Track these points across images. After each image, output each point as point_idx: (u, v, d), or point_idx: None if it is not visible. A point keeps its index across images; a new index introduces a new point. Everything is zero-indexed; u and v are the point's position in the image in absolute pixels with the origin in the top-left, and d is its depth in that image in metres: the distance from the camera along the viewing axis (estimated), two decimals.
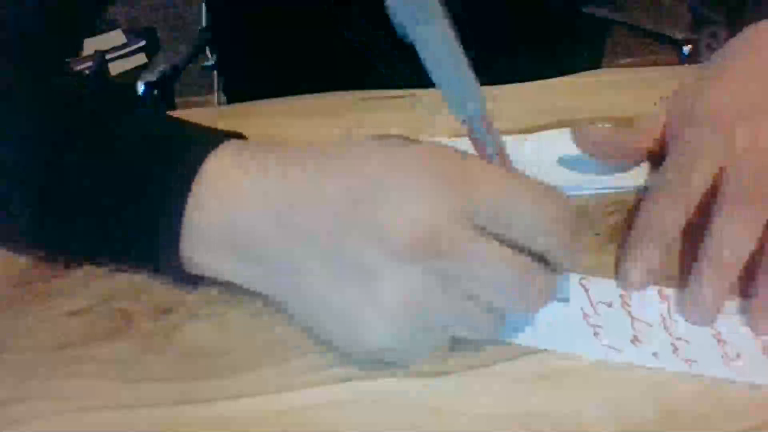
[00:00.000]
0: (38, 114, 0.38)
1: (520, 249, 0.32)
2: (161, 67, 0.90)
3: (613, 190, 0.47)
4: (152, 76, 0.88)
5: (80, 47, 0.55)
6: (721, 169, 0.41)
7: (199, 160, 0.34)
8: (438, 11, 0.30)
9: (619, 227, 0.44)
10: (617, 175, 0.47)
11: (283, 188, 0.33)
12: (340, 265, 0.31)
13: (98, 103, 0.38)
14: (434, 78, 0.32)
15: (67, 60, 0.53)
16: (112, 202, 0.35)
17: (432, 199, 0.30)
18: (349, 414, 0.33)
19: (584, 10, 0.81)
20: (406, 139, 0.34)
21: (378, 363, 0.33)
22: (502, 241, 0.31)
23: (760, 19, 0.48)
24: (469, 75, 0.32)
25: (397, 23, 0.30)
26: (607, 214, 0.45)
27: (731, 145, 0.42)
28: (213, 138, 0.36)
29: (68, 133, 0.36)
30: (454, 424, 0.32)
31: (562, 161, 0.49)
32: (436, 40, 0.31)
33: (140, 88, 0.88)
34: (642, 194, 0.46)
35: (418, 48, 0.31)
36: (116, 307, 0.38)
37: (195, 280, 0.37)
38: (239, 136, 0.38)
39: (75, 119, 0.37)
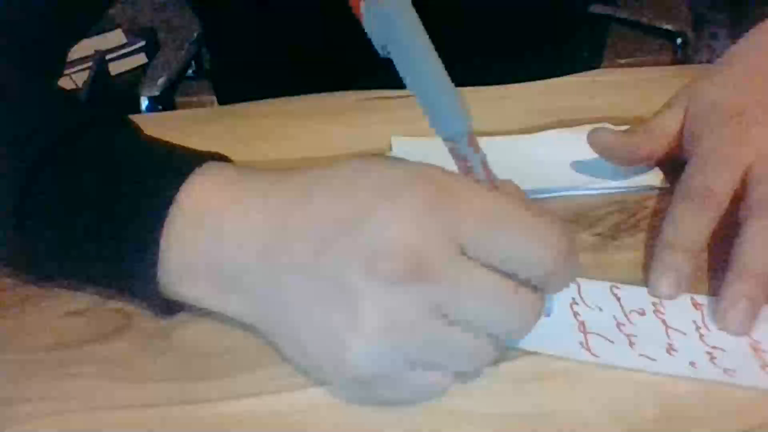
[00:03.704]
0: (22, 124, 0.37)
1: (507, 273, 0.31)
2: (161, 78, 0.90)
3: (613, 191, 0.47)
4: (155, 90, 0.88)
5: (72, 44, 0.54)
6: (745, 173, 0.40)
7: (175, 186, 0.33)
8: (414, 25, 0.29)
9: (619, 227, 0.44)
10: (619, 175, 0.47)
11: (265, 216, 0.32)
12: (323, 286, 0.30)
13: (79, 120, 0.37)
14: (415, 95, 0.31)
15: (62, 63, 0.52)
16: (87, 226, 0.34)
17: (418, 224, 0.30)
18: (349, 414, 0.33)
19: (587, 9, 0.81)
20: (395, 160, 0.33)
21: (371, 399, 0.32)
22: (489, 266, 0.30)
23: (765, 17, 0.48)
24: (451, 91, 0.31)
25: (374, 39, 0.29)
26: (607, 214, 0.45)
27: (753, 148, 0.41)
28: (189, 163, 0.34)
29: (49, 146, 0.35)
30: (455, 424, 0.32)
31: (563, 161, 0.49)
32: (413, 57, 0.30)
33: (144, 103, 0.88)
34: (641, 194, 0.46)
35: (396, 64, 0.30)
36: (116, 307, 0.38)
37: (175, 309, 0.36)
38: (222, 157, 0.37)
39: (57, 133, 0.36)
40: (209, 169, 0.35)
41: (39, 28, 0.47)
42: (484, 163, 0.32)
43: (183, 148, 0.36)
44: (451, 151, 0.32)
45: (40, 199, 0.35)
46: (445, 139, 0.32)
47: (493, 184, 0.32)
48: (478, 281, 0.30)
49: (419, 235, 0.30)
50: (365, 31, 0.29)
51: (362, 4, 0.28)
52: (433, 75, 0.30)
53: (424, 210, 0.30)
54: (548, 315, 0.36)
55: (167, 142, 0.37)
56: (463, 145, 0.32)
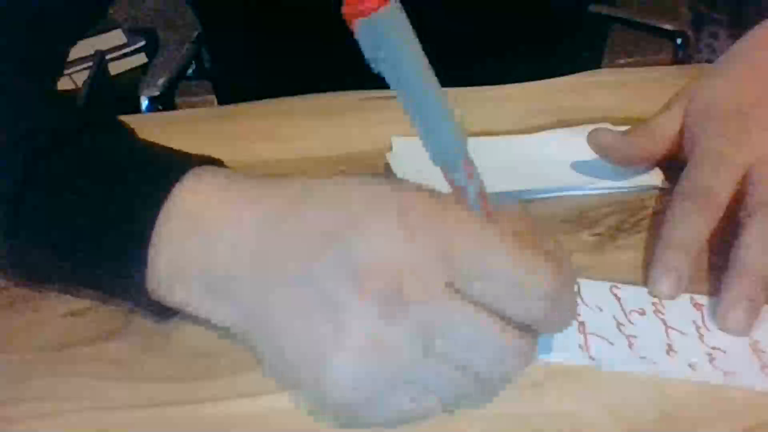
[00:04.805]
0: (16, 125, 0.37)
1: (496, 311, 0.30)
2: (162, 78, 0.90)
3: (613, 191, 0.47)
4: (155, 90, 0.88)
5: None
6: (745, 173, 0.40)
7: (166, 191, 0.33)
8: (409, 46, 0.28)
9: (619, 227, 0.44)
10: (619, 175, 0.47)
11: (257, 224, 0.32)
12: (311, 298, 0.30)
13: (74, 123, 0.37)
14: (411, 120, 0.30)
15: (61, 63, 0.52)
16: (81, 230, 0.34)
17: (408, 249, 0.29)
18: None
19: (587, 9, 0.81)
20: (391, 180, 0.32)
21: (351, 420, 0.32)
22: (477, 299, 0.30)
23: (765, 17, 0.48)
24: (446, 116, 0.30)
25: (370, 60, 0.28)
26: (607, 214, 0.45)
27: (753, 149, 0.41)
28: (182, 167, 0.34)
29: (43, 148, 0.35)
30: (455, 424, 0.32)
31: (563, 161, 0.49)
32: (410, 83, 0.29)
33: (144, 103, 0.88)
34: (641, 194, 0.46)
35: (392, 87, 0.29)
36: (116, 307, 0.38)
37: (169, 313, 0.36)
38: (214, 160, 0.36)
39: (51, 136, 0.36)
40: (202, 173, 0.34)
41: (39, 28, 0.47)
42: (481, 191, 0.31)
43: (176, 151, 0.36)
44: (446, 176, 0.31)
45: (34, 203, 0.35)
46: (441, 166, 0.31)
47: (489, 211, 0.31)
48: (461, 312, 0.29)
49: (407, 261, 0.29)
50: (360, 48, 0.28)
51: (357, 23, 0.27)
52: (429, 99, 0.29)
53: (414, 235, 0.29)
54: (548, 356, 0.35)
55: (161, 145, 0.37)
56: (459, 172, 0.31)
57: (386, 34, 0.28)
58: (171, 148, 0.36)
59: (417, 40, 0.28)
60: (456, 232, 0.30)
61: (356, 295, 0.29)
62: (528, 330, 0.31)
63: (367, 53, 0.28)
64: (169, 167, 0.35)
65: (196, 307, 0.34)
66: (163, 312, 0.36)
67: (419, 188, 0.31)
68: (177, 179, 0.34)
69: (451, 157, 0.30)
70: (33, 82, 0.43)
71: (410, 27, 0.28)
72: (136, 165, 0.35)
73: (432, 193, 0.31)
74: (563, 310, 0.31)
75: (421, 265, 0.29)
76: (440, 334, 0.30)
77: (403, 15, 0.28)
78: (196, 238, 0.33)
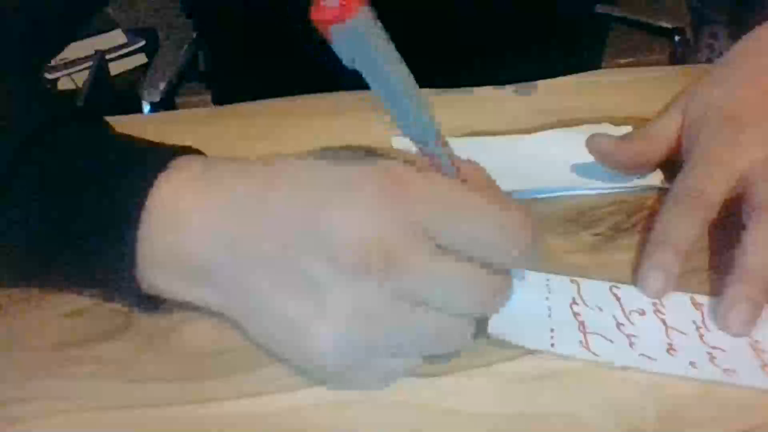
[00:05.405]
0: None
1: (468, 255, 0.32)
2: (162, 81, 0.90)
3: (613, 191, 0.47)
4: (156, 95, 0.89)
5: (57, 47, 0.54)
6: (744, 175, 0.40)
7: (147, 186, 0.34)
8: (382, 40, 0.30)
9: (619, 227, 0.44)
10: (619, 175, 0.47)
11: (231, 210, 0.33)
12: (290, 281, 0.31)
13: (59, 117, 0.37)
14: (389, 110, 0.32)
15: (44, 63, 0.52)
16: (65, 226, 0.34)
17: (379, 215, 0.31)
18: (349, 414, 0.33)
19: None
20: (362, 152, 0.34)
21: (341, 384, 0.33)
22: (449, 249, 0.31)
23: (766, 18, 0.48)
24: (418, 98, 0.31)
25: (342, 55, 0.29)
26: (607, 214, 0.45)
27: (748, 151, 0.41)
28: (161, 161, 0.35)
29: (26, 141, 0.35)
30: (454, 424, 0.32)
31: (563, 161, 0.49)
32: (381, 71, 0.30)
33: (145, 108, 0.89)
34: (641, 194, 0.46)
35: (364, 77, 0.30)
36: (116, 307, 0.38)
37: (155, 304, 0.36)
38: (193, 150, 0.37)
39: (34, 129, 0.36)
40: (179, 165, 0.35)
41: (34, 24, 0.47)
42: (450, 155, 0.33)
43: (155, 144, 0.36)
44: (421, 150, 0.33)
45: (17, 195, 0.34)
46: (413, 140, 0.33)
47: (461, 175, 0.33)
48: (439, 265, 0.31)
49: (379, 226, 0.30)
50: (333, 48, 0.29)
51: (331, 28, 0.28)
52: (401, 86, 0.31)
53: (383, 202, 0.31)
54: (520, 279, 0.38)
55: (140, 138, 0.37)
56: (433, 145, 0.32)
57: (362, 36, 0.29)
58: (149, 142, 0.36)
59: (388, 37, 0.30)
60: (419, 189, 0.32)
61: (333, 271, 0.30)
62: (500, 270, 0.33)
63: (344, 57, 0.29)
64: (149, 163, 0.35)
65: (181, 295, 0.35)
66: (149, 302, 0.36)
67: (382, 160, 0.33)
68: (155, 176, 0.34)
69: (427, 134, 0.32)
70: (22, 76, 0.43)
71: (380, 25, 0.29)
72: (116, 160, 0.35)
73: (394, 161, 0.33)
74: (528, 251, 0.33)
75: (392, 230, 0.30)
76: (421, 288, 0.31)
77: (374, 14, 0.29)
78: (171, 229, 0.34)
